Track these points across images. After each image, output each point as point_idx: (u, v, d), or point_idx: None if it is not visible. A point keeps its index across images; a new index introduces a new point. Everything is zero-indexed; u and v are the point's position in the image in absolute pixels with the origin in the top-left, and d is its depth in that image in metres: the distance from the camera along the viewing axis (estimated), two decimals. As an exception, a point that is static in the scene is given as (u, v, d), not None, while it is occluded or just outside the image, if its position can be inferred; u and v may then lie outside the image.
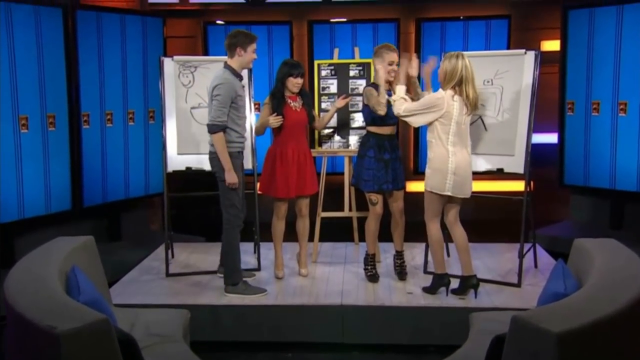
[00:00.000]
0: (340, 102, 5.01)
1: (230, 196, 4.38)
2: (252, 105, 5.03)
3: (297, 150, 4.72)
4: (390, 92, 4.57)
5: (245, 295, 4.43)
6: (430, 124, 4.24)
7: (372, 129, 4.68)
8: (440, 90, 4.23)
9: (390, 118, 4.56)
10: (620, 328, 2.59)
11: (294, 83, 4.64)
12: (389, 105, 4.46)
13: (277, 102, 4.68)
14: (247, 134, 4.64)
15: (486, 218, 6.63)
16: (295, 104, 4.72)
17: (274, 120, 4.61)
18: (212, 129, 4.26)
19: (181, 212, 6.24)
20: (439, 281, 4.45)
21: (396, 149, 4.69)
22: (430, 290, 4.49)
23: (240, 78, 4.43)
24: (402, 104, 4.28)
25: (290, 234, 5.03)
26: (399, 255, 4.90)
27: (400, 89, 4.35)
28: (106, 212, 6.19)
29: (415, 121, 4.30)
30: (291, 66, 4.67)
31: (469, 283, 4.38)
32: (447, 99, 4.17)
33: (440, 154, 4.22)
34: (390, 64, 4.54)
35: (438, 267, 4.47)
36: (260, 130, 4.80)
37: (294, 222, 4.95)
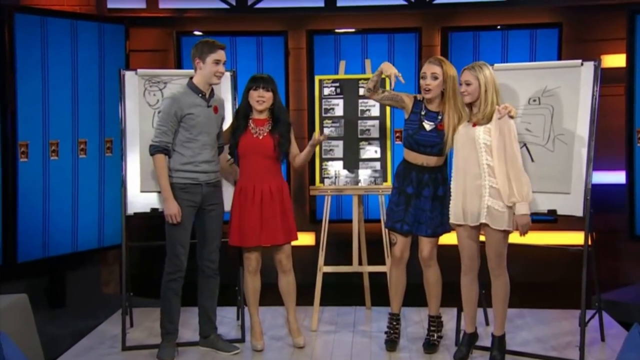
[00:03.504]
0: (318, 139, 4.85)
1: (172, 235, 4.51)
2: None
3: (260, 187, 4.70)
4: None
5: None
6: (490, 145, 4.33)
7: (405, 153, 4.72)
8: (497, 107, 4.33)
9: (426, 147, 4.58)
10: None
11: (254, 97, 4.68)
12: (431, 136, 4.57)
13: (237, 123, 4.79)
14: (215, 165, 4.68)
15: (536, 278, 6.56)
16: (259, 130, 4.72)
17: None
18: (150, 150, 4.50)
19: (144, 267, 6.18)
20: (505, 345, 4.53)
21: (428, 186, 4.60)
22: None
23: (203, 95, 4.54)
24: (528, 193, 4.30)
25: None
26: (430, 321, 4.84)
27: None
28: (47, 269, 6.14)
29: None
30: (253, 79, 4.75)
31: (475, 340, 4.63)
32: None
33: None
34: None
35: (503, 327, 4.51)
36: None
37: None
